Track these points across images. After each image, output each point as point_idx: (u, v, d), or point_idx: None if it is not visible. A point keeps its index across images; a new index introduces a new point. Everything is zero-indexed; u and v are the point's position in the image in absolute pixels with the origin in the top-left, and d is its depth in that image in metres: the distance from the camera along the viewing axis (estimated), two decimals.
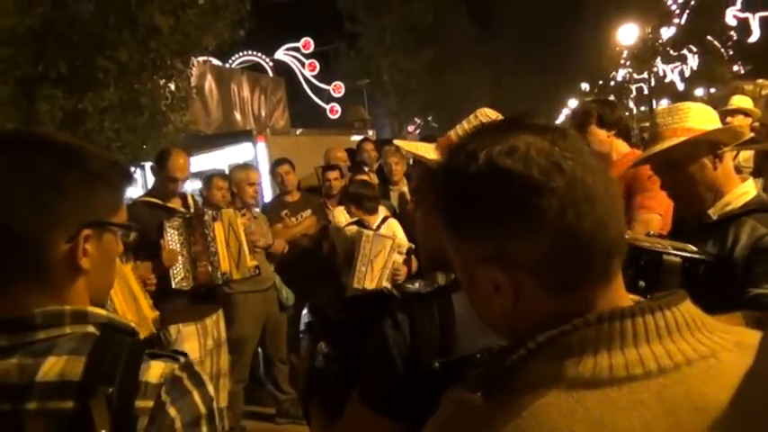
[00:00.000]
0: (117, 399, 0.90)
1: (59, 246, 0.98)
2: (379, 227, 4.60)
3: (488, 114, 1.35)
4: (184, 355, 1.02)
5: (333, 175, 5.48)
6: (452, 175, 0.79)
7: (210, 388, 1.00)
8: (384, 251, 4.38)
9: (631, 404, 0.68)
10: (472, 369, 0.84)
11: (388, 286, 4.40)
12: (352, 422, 1.19)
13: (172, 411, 0.93)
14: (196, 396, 0.97)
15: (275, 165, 5.42)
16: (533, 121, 0.79)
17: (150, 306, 3.37)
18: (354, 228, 4.53)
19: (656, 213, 2.85)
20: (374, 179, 5.78)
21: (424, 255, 1.41)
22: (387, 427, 1.13)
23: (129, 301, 3.20)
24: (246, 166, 4.98)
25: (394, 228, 4.72)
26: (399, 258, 4.52)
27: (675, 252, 1.65)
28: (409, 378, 1.10)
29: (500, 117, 1.33)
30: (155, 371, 0.95)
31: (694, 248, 1.73)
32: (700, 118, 1.97)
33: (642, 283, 1.52)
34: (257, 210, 5.18)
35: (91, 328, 0.99)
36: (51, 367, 0.93)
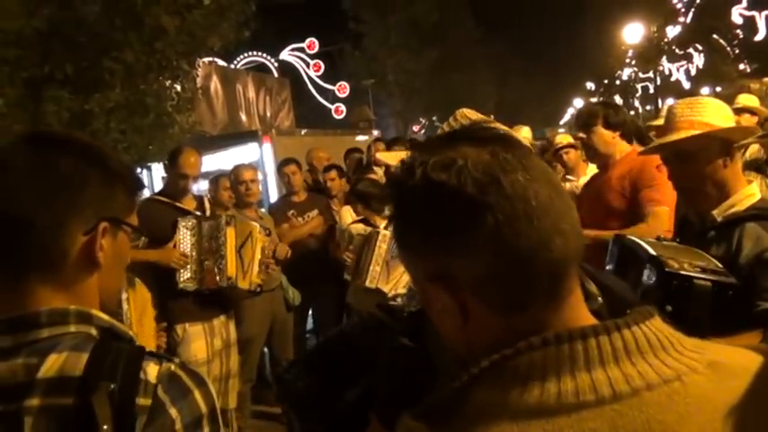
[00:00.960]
0: (119, 395, 0.90)
1: (77, 237, 0.99)
2: (387, 227, 4.57)
3: (468, 116, 1.34)
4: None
5: (331, 175, 5.46)
6: (394, 188, 0.75)
7: (211, 387, 0.99)
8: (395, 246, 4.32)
9: None
10: None
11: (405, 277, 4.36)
12: None
13: (173, 412, 0.93)
14: (197, 395, 0.96)
15: (282, 165, 5.42)
16: (478, 132, 0.75)
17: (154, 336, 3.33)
18: (361, 226, 4.47)
19: (665, 206, 2.85)
20: (383, 179, 5.80)
21: None
22: None
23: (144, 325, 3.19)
24: (237, 166, 4.93)
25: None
26: None
27: (706, 276, 1.63)
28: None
29: (480, 118, 1.32)
30: (152, 369, 0.95)
31: (719, 264, 1.71)
32: (717, 114, 1.97)
33: (669, 308, 1.50)
34: (263, 210, 5.17)
35: (93, 331, 0.99)
36: (53, 364, 0.93)
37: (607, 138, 3.13)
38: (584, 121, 3.20)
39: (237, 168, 4.81)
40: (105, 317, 1.01)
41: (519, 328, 0.69)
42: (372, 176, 5.39)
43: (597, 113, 3.18)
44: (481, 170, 0.68)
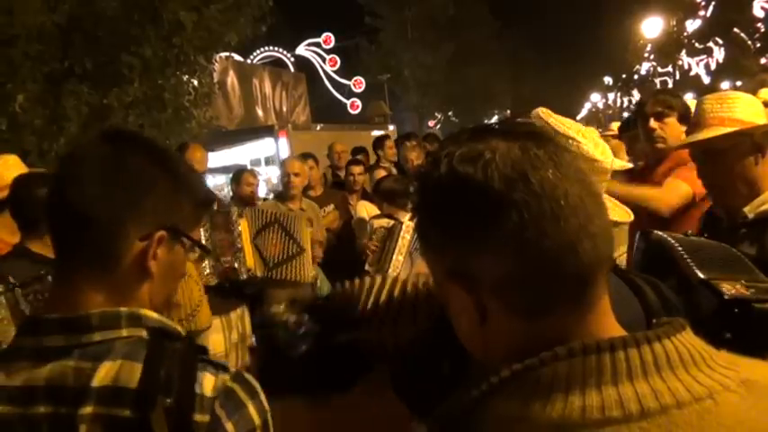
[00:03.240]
0: (176, 411, 0.89)
1: (133, 241, 0.97)
2: (411, 219, 4.59)
3: (543, 115, 1.35)
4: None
5: (357, 169, 5.50)
6: (419, 180, 0.73)
7: (263, 398, 0.98)
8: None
9: None
10: None
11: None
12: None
13: (229, 427, 0.92)
14: (251, 408, 0.95)
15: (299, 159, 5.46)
16: (511, 126, 0.72)
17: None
18: (385, 220, 4.50)
19: (687, 184, 2.66)
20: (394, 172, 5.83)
21: None
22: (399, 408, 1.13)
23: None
24: (289, 157, 5.06)
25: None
26: None
27: (765, 298, 1.58)
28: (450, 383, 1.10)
29: (556, 118, 1.33)
30: (208, 383, 0.93)
31: (765, 278, 1.67)
32: (749, 110, 1.91)
33: (729, 335, 1.46)
34: (307, 201, 5.20)
35: (144, 333, 0.97)
36: (107, 372, 0.91)
37: (678, 133, 2.85)
38: (659, 110, 2.93)
39: (287, 160, 5.04)
40: (155, 316, 1.00)
41: (540, 334, 0.66)
42: (383, 171, 5.42)
43: (675, 105, 2.93)
44: (510, 165, 0.65)
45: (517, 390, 0.64)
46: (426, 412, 1.10)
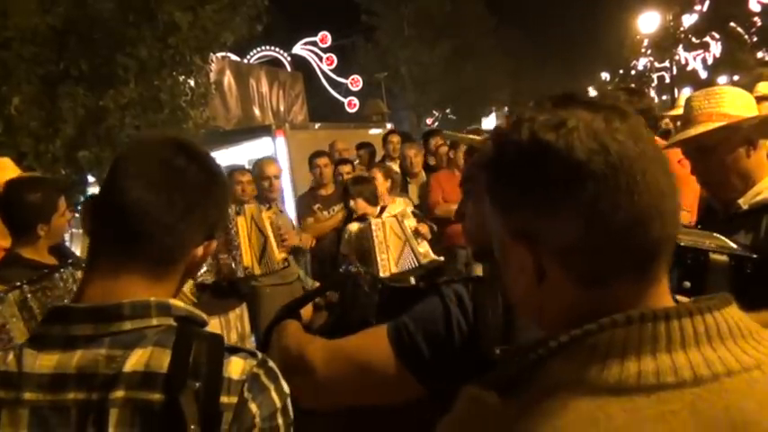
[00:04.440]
0: (204, 393, 0.93)
1: (192, 246, 1.05)
2: (379, 215, 4.57)
3: None
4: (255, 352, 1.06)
5: (345, 169, 5.44)
6: (495, 142, 0.75)
7: (284, 383, 1.03)
8: (394, 227, 4.33)
9: (660, 415, 0.62)
10: None
11: (420, 249, 4.41)
12: (364, 347, 1.22)
13: (253, 407, 0.97)
14: (273, 392, 1.00)
15: (314, 156, 5.40)
16: (592, 98, 0.74)
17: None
18: (356, 225, 4.48)
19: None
20: (397, 170, 5.83)
21: (474, 244, 1.41)
22: (408, 380, 1.15)
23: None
24: (261, 160, 4.94)
25: (398, 205, 4.70)
26: (413, 222, 4.48)
27: (722, 251, 1.61)
28: (462, 358, 1.10)
29: None
30: (236, 367, 0.98)
31: (732, 244, 1.68)
32: (736, 103, 1.93)
33: (687, 284, 1.46)
34: (282, 208, 5.17)
35: (172, 321, 1.01)
36: (139, 358, 0.95)
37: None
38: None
39: (261, 163, 4.79)
40: (182, 305, 1.04)
41: (597, 303, 0.68)
42: (390, 167, 5.42)
43: (618, 99, 3.06)
44: (591, 136, 0.67)
45: (574, 354, 0.66)
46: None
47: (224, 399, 0.95)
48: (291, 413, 1.03)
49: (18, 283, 2.19)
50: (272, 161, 5.01)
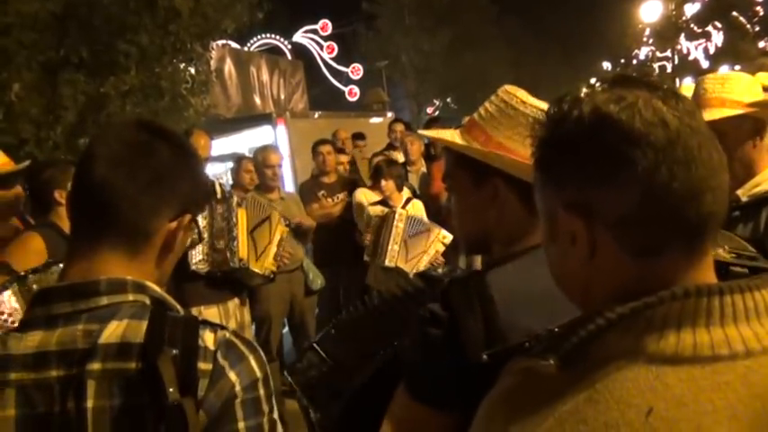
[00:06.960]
0: (181, 360, 0.94)
1: (164, 222, 1.06)
2: (404, 207, 4.61)
3: (511, 92, 1.32)
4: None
5: (326, 149, 5.34)
6: (552, 118, 0.76)
7: (263, 354, 1.04)
8: (428, 238, 4.35)
9: (715, 385, 0.64)
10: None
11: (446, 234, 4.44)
12: (398, 413, 1.17)
13: (232, 376, 0.97)
14: (252, 361, 1.01)
15: (317, 144, 5.41)
16: (649, 79, 0.77)
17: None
18: (379, 208, 4.52)
19: None
20: (400, 158, 5.85)
21: (461, 238, 1.41)
22: (432, 418, 1.12)
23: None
24: (265, 148, 4.94)
25: (417, 209, 4.71)
26: (441, 249, 4.46)
27: (742, 263, 1.60)
28: (456, 371, 1.08)
29: (524, 95, 1.31)
30: (209, 336, 0.99)
31: (749, 248, 1.69)
32: (749, 91, 1.91)
33: None
34: (286, 191, 5.17)
35: (147, 300, 1.03)
36: (114, 330, 0.97)
37: None
38: None
39: (265, 152, 4.79)
40: (157, 288, 1.06)
41: (648, 275, 0.70)
42: (392, 156, 5.43)
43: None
44: (651, 110, 0.70)
45: (633, 325, 0.68)
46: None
47: (201, 365, 0.96)
48: (272, 385, 1.03)
49: (21, 273, 2.23)
50: (274, 150, 5.01)
